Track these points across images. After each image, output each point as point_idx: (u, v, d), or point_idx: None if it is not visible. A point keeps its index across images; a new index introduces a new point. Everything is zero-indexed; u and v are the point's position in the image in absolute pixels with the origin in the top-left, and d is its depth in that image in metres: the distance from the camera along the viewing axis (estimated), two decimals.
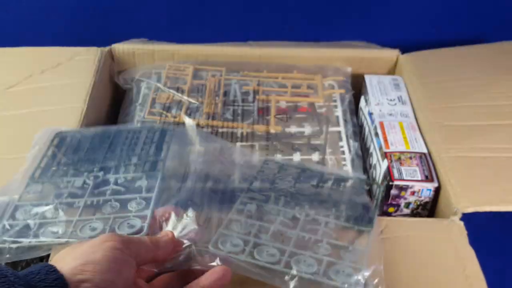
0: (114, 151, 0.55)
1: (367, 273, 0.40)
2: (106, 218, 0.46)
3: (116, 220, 0.45)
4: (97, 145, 0.56)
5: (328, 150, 0.62)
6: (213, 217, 0.46)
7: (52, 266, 0.32)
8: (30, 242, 0.45)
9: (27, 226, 0.47)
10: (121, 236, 0.37)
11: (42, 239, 0.45)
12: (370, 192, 0.62)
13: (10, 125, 0.61)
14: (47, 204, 0.49)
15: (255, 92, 0.71)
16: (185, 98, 0.68)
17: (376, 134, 0.62)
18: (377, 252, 0.43)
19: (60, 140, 0.58)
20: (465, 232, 0.49)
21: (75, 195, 0.50)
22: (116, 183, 0.51)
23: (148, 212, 0.45)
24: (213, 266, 0.39)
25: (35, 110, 0.60)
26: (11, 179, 0.53)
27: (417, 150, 0.59)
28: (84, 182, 0.51)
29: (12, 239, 0.45)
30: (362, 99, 0.71)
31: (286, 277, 0.40)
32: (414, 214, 0.57)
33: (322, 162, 0.60)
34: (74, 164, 0.54)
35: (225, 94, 0.71)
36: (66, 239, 0.45)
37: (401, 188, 0.55)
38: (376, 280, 0.40)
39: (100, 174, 0.52)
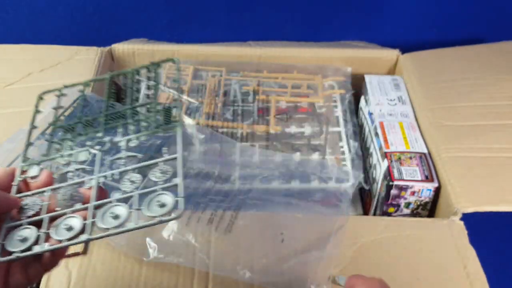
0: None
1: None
2: (127, 198, 0.35)
3: (142, 198, 0.34)
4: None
5: (328, 150, 0.62)
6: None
7: None
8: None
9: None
10: None
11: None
12: (370, 192, 0.62)
13: (8, 123, 0.60)
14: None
15: (255, 92, 0.71)
16: (185, 98, 0.68)
17: (376, 134, 0.62)
18: None
19: (81, 103, 0.50)
20: (465, 232, 0.49)
21: (84, 170, 0.39)
22: (128, 148, 0.40)
23: (177, 180, 0.34)
24: None
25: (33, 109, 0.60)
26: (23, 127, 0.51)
27: (417, 150, 0.59)
28: (89, 152, 0.41)
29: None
30: (362, 99, 0.71)
31: None
32: (414, 214, 0.57)
33: (322, 162, 0.60)
34: (82, 131, 0.43)
35: (225, 94, 0.71)
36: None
37: (401, 188, 0.55)
38: None
39: (107, 139, 0.41)
